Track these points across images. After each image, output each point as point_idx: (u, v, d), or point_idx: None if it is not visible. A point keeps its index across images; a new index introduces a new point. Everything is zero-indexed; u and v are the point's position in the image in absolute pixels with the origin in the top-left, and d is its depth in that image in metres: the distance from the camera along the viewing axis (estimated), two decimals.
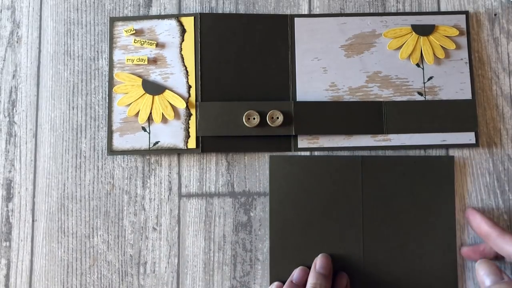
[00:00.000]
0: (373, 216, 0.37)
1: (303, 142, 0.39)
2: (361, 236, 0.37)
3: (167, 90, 0.39)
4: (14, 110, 0.41)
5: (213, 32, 0.40)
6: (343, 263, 0.37)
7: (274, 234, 0.37)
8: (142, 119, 0.39)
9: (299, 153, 0.39)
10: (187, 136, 0.39)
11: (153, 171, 0.39)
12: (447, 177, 0.38)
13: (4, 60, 0.41)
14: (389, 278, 0.37)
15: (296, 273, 0.36)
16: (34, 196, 0.39)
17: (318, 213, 0.37)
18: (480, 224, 0.35)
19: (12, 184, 0.40)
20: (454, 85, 0.39)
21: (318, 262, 0.36)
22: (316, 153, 0.39)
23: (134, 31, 0.40)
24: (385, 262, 0.37)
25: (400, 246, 0.37)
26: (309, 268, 0.36)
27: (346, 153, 0.39)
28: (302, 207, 0.37)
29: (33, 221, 0.39)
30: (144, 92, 0.39)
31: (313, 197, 0.37)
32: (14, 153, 0.40)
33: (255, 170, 0.39)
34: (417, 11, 0.41)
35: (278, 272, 0.37)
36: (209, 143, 0.39)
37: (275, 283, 0.36)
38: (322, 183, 0.38)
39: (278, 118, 0.38)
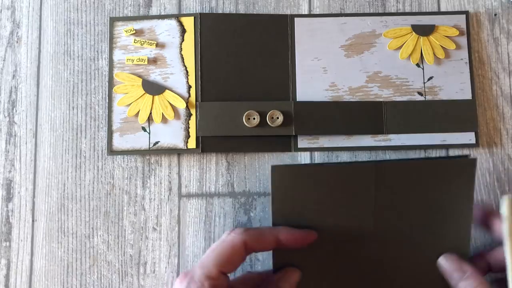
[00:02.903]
0: (386, 228, 0.33)
1: (303, 142, 0.39)
2: (375, 246, 0.33)
3: (167, 90, 0.39)
4: (14, 110, 0.41)
5: (213, 32, 0.40)
6: (354, 277, 0.34)
7: (279, 254, 0.33)
8: (142, 119, 0.39)
9: (299, 156, 0.39)
10: (187, 136, 0.39)
11: (153, 171, 0.39)
12: (467, 180, 0.33)
13: (4, 60, 0.41)
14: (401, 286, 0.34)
15: (289, 233, 0.32)
16: (34, 196, 0.40)
17: (328, 227, 0.33)
18: (493, 220, 0.33)
19: (12, 184, 0.40)
20: (454, 85, 0.39)
21: (283, 277, 0.32)
22: (316, 155, 0.39)
23: (134, 31, 0.40)
24: (398, 272, 0.34)
25: (414, 254, 0.33)
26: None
27: (347, 154, 0.39)
28: (310, 221, 0.33)
29: (33, 221, 0.39)
30: (144, 92, 0.39)
31: (321, 209, 0.33)
32: (14, 153, 0.40)
33: (255, 170, 0.39)
34: (417, 11, 0.41)
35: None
36: (209, 143, 0.39)
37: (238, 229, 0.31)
38: (331, 195, 0.33)
39: (278, 118, 0.38)
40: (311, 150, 0.39)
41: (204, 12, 0.41)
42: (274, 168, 0.32)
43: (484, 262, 0.33)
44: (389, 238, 0.33)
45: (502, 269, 0.31)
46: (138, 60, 0.40)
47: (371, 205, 0.33)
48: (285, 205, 0.33)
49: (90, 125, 0.40)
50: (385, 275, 0.34)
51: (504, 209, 0.30)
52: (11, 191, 0.40)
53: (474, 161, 0.33)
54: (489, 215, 0.33)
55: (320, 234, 0.33)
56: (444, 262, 0.32)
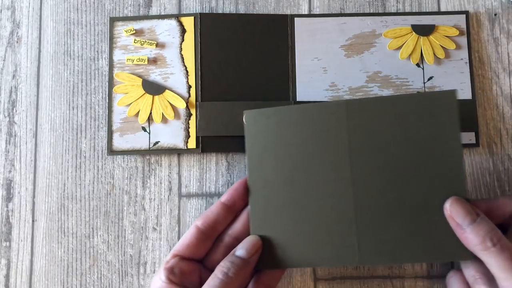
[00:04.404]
0: (364, 167, 0.32)
1: None
2: (350, 190, 0.32)
3: (167, 90, 0.39)
4: (14, 110, 0.41)
5: (213, 32, 0.40)
6: (331, 224, 0.32)
7: (255, 194, 0.33)
8: (142, 119, 0.39)
9: None
10: (187, 136, 0.39)
11: (153, 171, 0.39)
12: (449, 113, 0.31)
13: (4, 60, 0.41)
14: (387, 237, 0.31)
15: (226, 193, 0.33)
16: (34, 196, 0.40)
17: (301, 169, 0.32)
18: (497, 209, 0.30)
19: (12, 184, 0.40)
20: (454, 85, 0.39)
21: (241, 244, 0.32)
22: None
23: (134, 31, 0.40)
24: (382, 219, 0.31)
25: (398, 199, 0.31)
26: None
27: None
28: (283, 163, 0.33)
29: (33, 221, 0.39)
30: (144, 92, 0.39)
31: (294, 151, 0.33)
32: (14, 153, 0.40)
33: None
34: (417, 11, 0.41)
35: (260, 232, 0.33)
36: (209, 143, 0.39)
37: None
38: (302, 135, 0.33)
39: None
40: None
41: (204, 12, 0.41)
42: (247, 113, 0.34)
43: (485, 208, 0.30)
44: (369, 179, 0.32)
45: (505, 221, 0.30)
46: (138, 60, 0.40)
47: (345, 145, 0.32)
48: (259, 149, 0.33)
49: (90, 125, 0.40)
50: (367, 219, 0.32)
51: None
52: (11, 191, 0.40)
53: (453, 93, 0.31)
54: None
55: (295, 177, 0.33)
56: (452, 206, 0.29)
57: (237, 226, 0.34)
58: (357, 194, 0.32)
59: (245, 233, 0.33)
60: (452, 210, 0.29)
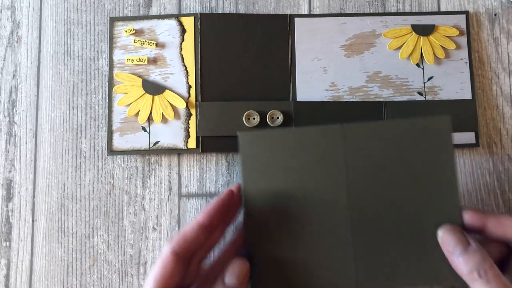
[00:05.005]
0: (360, 192, 0.32)
1: None
2: (347, 214, 0.32)
3: (167, 90, 0.39)
4: (14, 110, 0.41)
5: (213, 32, 0.40)
6: (327, 248, 0.32)
7: (250, 217, 0.32)
8: (142, 119, 0.39)
9: None
10: (187, 136, 0.39)
11: (153, 171, 0.39)
12: (444, 139, 0.31)
13: (4, 60, 0.41)
14: (383, 259, 0.31)
15: (204, 214, 0.30)
16: (34, 196, 0.40)
17: (298, 193, 0.32)
18: (471, 218, 0.30)
19: (12, 184, 0.40)
20: (454, 85, 0.39)
21: (229, 270, 0.29)
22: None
23: (134, 31, 0.40)
24: (378, 242, 0.31)
25: (394, 223, 0.31)
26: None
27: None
28: (279, 187, 0.32)
29: (33, 221, 0.39)
30: (144, 92, 0.39)
31: (290, 174, 0.32)
32: (14, 153, 0.40)
33: None
34: (417, 11, 0.41)
35: (255, 254, 0.32)
36: (209, 143, 0.39)
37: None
38: (299, 159, 0.32)
39: (278, 118, 0.38)
40: None
41: (204, 12, 0.41)
42: (241, 135, 0.32)
43: (479, 223, 0.30)
44: (365, 203, 0.32)
45: (498, 239, 0.29)
46: (138, 60, 0.40)
47: (341, 169, 0.32)
48: (254, 172, 0.32)
49: (90, 125, 0.40)
50: (364, 243, 0.31)
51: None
52: (11, 191, 0.40)
53: (447, 119, 0.31)
54: (481, 218, 0.30)
55: (291, 200, 0.32)
56: (444, 234, 0.29)
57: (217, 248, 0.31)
58: (354, 218, 0.32)
59: (225, 255, 0.31)
60: (444, 239, 0.29)
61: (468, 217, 0.30)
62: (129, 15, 0.41)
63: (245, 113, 0.38)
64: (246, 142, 0.32)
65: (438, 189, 0.31)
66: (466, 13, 0.40)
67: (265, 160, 0.32)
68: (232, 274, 0.29)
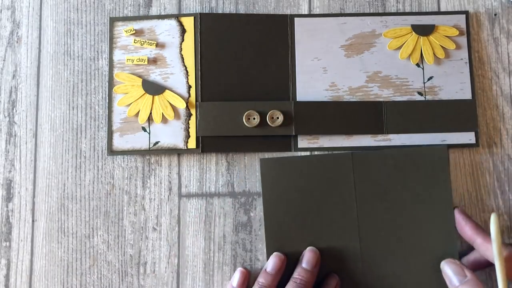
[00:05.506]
0: (368, 212, 0.36)
1: (303, 142, 0.39)
2: (357, 233, 0.36)
3: (167, 90, 0.39)
4: (14, 110, 0.41)
5: (213, 32, 0.40)
6: (340, 261, 0.36)
7: (270, 237, 0.36)
8: (142, 119, 0.39)
9: (298, 153, 0.39)
10: (187, 136, 0.39)
11: (153, 171, 0.39)
12: (441, 167, 0.36)
13: (4, 60, 0.41)
14: (388, 273, 0.36)
15: (271, 262, 0.35)
16: (34, 196, 0.40)
17: (313, 213, 0.36)
18: (464, 229, 0.34)
19: (12, 184, 0.40)
20: (454, 85, 0.39)
21: (305, 257, 0.35)
22: (314, 153, 0.39)
23: (134, 31, 0.40)
24: (383, 258, 0.36)
25: (398, 240, 0.36)
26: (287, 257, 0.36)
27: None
28: (296, 208, 0.37)
29: (33, 221, 0.39)
30: (144, 92, 0.39)
31: (306, 197, 0.37)
32: (14, 153, 0.40)
33: (255, 170, 0.39)
34: (417, 11, 0.41)
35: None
36: (209, 143, 0.39)
37: (239, 269, 0.36)
38: (314, 183, 0.37)
39: (278, 118, 0.38)
40: (311, 150, 0.39)
41: (204, 12, 0.41)
42: (262, 161, 0.37)
43: (471, 239, 0.34)
44: (372, 222, 0.36)
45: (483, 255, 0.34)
46: (138, 60, 0.40)
47: (351, 192, 0.37)
48: (274, 195, 0.37)
49: (90, 125, 0.40)
50: (371, 258, 0.36)
51: (492, 229, 0.31)
52: (11, 191, 0.40)
53: (445, 148, 0.36)
54: (472, 235, 0.34)
55: (307, 220, 0.36)
56: (446, 266, 0.34)
57: None
58: (363, 236, 0.36)
59: None
60: (444, 270, 0.34)
61: (468, 229, 0.34)
62: (129, 15, 0.41)
63: (245, 113, 0.38)
64: (266, 167, 0.37)
65: (436, 215, 0.36)
66: (466, 13, 0.40)
67: (283, 184, 0.37)
68: (307, 260, 0.35)
